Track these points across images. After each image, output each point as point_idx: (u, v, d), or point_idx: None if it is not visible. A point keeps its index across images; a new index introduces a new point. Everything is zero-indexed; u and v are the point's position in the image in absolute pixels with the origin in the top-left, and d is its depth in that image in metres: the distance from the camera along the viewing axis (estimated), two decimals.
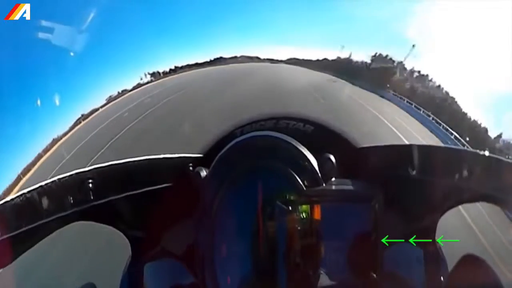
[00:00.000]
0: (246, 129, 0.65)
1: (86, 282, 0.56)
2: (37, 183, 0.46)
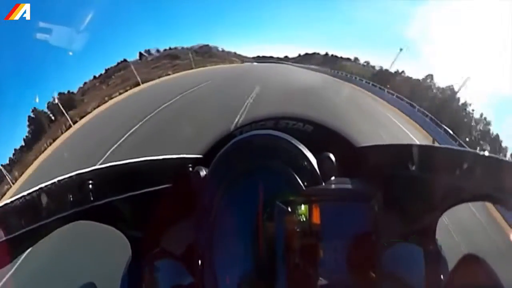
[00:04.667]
0: (246, 129, 0.65)
1: (86, 282, 0.56)
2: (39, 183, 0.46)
